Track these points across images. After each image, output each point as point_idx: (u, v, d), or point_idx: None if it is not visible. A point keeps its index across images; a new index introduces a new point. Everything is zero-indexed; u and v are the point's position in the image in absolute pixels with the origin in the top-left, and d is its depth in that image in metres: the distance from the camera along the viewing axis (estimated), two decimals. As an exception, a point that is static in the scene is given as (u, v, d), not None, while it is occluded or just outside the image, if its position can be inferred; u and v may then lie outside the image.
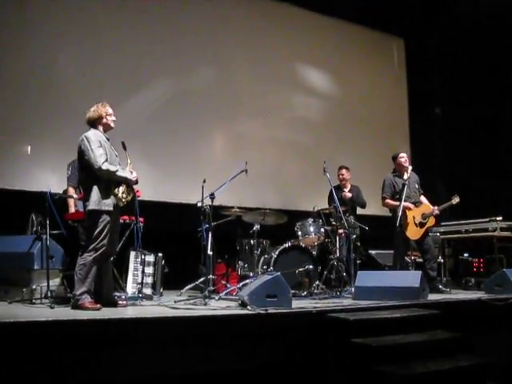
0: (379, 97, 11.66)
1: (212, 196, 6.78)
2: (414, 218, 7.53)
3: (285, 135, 10.38)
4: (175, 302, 5.77)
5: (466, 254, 9.25)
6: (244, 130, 9.97)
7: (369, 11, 11.12)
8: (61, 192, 6.63)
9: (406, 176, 7.67)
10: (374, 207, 8.84)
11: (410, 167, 7.75)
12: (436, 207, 7.70)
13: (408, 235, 7.46)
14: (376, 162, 10.24)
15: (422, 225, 7.57)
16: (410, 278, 6.25)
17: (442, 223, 9.16)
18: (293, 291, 5.80)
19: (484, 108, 10.52)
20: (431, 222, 7.66)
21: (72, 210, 6.64)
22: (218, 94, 9.68)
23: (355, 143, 11.00)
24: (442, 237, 9.18)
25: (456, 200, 7.65)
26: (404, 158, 7.82)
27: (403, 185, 7.46)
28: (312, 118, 10.80)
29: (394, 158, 7.90)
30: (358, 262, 7.80)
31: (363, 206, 8.59)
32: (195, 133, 9.28)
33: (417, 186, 7.85)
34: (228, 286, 7.02)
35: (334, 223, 7.65)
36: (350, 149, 10.80)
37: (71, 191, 6.65)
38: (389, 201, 7.69)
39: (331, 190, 8.00)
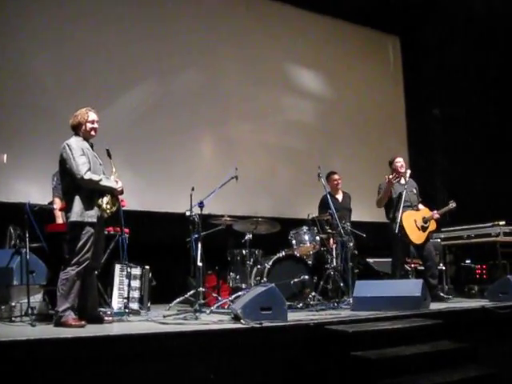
0: (375, 98, 11.59)
1: (201, 204, 6.81)
2: (415, 221, 7.48)
3: (277, 139, 10.29)
4: (164, 316, 5.69)
5: (468, 261, 9.16)
6: (234, 134, 9.90)
7: (363, 9, 11.03)
8: (43, 203, 6.47)
9: (403, 181, 7.60)
10: (370, 214, 8.82)
11: (409, 172, 7.69)
12: (436, 211, 7.70)
13: (411, 239, 7.37)
14: (372, 167, 10.16)
15: (424, 228, 7.54)
16: (411, 287, 6.20)
17: (443, 229, 9.11)
18: (288, 303, 5.70)
19: (484, 108, 10.47)
20: (433, 226, 7.64)
21: (59, 221, 6.50)
22: (206, 97, 9.57)
23: (350, 147, 10.95)
24: (443, 243, 9.15)
25: (453, 205, 7.66)
26: (400, 162, 7.78)
27: (400, 194, 7.39)
28: (305, 121, 10.72)
29: (391, 163, 7.86)
30: (356, 271, 7.78)
31: None
32: (182, 138, 9.16)
33: (414, 191, 7.80)
34: (219, 298, 6.93)
35: (329, 231, 7.57)
36: (345, 153, 10.78)
37: (57, 202, 6.51)
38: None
39: (323, 197, 7.96)
